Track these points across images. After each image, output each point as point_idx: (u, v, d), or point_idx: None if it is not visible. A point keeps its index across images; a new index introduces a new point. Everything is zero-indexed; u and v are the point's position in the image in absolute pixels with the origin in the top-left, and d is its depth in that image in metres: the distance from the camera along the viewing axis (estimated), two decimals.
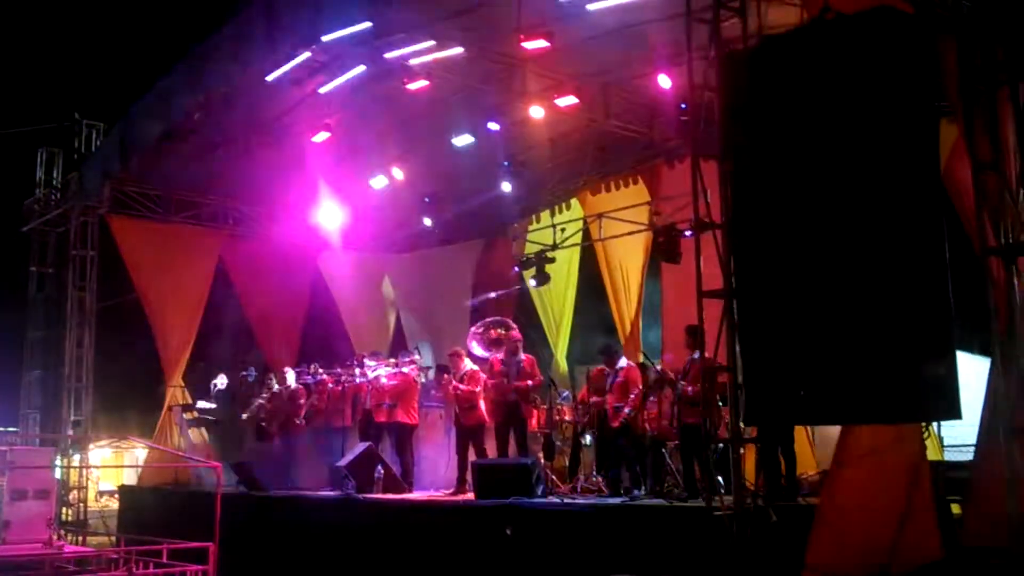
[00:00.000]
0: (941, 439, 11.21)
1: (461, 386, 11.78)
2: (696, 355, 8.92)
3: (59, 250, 17.20)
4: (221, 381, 16.55)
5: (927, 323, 6.44)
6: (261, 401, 14.90)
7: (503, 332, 13.09)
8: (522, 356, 11.72)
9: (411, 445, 12.77)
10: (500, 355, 11.92)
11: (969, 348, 9.82)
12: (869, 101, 6.57)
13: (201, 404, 16.47)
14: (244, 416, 15.27)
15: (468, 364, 12.17)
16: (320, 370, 14.39)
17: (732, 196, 7.57)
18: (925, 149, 6.72)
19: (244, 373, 16.14)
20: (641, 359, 11.55)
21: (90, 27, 26.70)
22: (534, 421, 12.13)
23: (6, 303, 19.19)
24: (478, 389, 11.77)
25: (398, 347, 16.43)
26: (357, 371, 13.58)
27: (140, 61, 23.06)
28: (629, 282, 14.80)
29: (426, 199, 17.37)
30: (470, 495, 10.95)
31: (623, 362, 10.87)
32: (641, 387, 10.55)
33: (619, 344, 13.62)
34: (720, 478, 8.56)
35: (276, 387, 14.70)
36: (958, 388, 6.48)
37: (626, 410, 10.39)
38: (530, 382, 11.46)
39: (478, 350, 12.94)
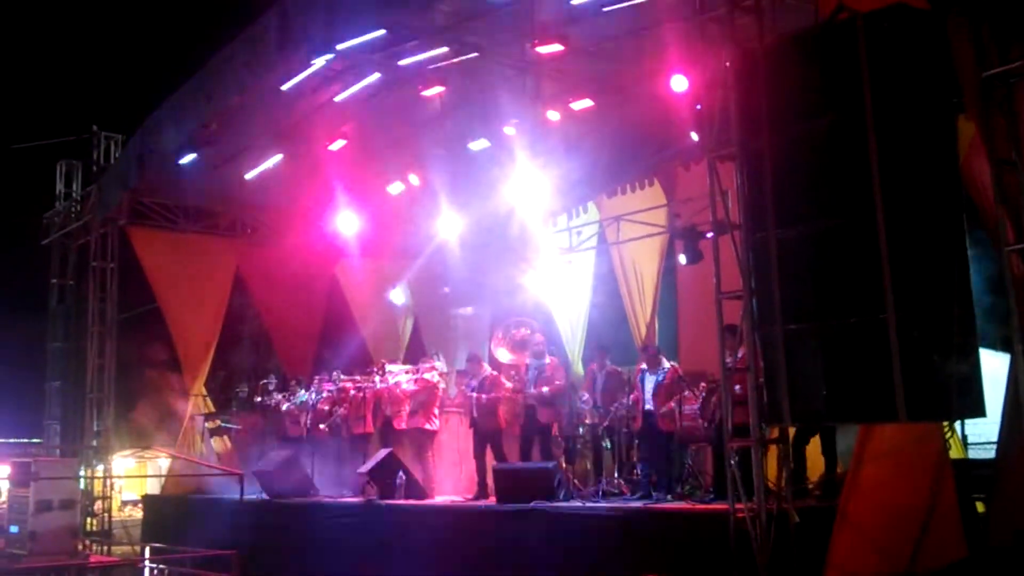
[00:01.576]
0: (964, 437, 11.17)
1: (484, 396, 11.65)
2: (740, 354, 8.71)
3: (79, 262, 17.34)
4: (242, 389, 16.64)
5: (949, 320, 6.41)
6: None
7: (527, 332, 13.03)
8: (547, 360, 11.68)
9: (432, 450, 12.79)
10: (526, 359, 11.83)
11: (992, 345, 9.74)
12: (886, 98, 6.55)
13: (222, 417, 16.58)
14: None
15: (488, 369, 12.15)
16: (342, 377, 14.43)
17: (749, 196, 7.56)
18: (943, 146, 6.71)
19: (265, 381, 16.19)
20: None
21: (107, 40, 26.86)
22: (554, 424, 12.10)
23: (27, 315, 19.32)
24: (502, 394, 11.68)
25: (414, 354, 16.42)
26: (378, 378, 13.61)
27: (157, 73, 23.14)
28: (644, 284, 14.76)
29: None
30: (492, 499, 10.96)
31: (666, 363, 10.81)
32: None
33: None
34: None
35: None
36: (982, 385, 6.45)
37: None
38: (546, 388, 11.30)
39: (505, 356, 12.81)
